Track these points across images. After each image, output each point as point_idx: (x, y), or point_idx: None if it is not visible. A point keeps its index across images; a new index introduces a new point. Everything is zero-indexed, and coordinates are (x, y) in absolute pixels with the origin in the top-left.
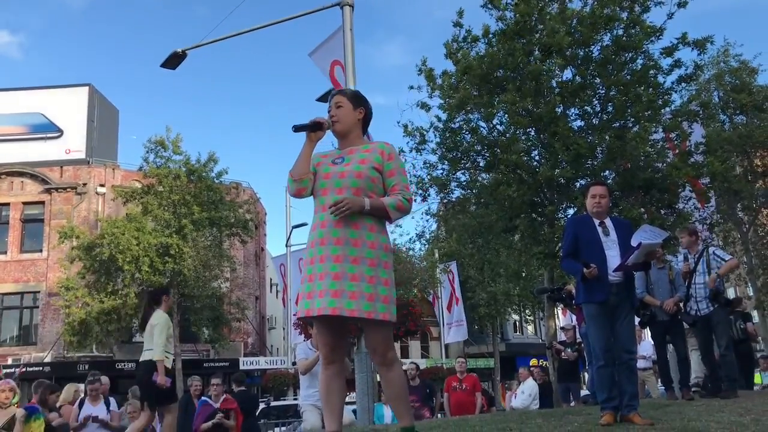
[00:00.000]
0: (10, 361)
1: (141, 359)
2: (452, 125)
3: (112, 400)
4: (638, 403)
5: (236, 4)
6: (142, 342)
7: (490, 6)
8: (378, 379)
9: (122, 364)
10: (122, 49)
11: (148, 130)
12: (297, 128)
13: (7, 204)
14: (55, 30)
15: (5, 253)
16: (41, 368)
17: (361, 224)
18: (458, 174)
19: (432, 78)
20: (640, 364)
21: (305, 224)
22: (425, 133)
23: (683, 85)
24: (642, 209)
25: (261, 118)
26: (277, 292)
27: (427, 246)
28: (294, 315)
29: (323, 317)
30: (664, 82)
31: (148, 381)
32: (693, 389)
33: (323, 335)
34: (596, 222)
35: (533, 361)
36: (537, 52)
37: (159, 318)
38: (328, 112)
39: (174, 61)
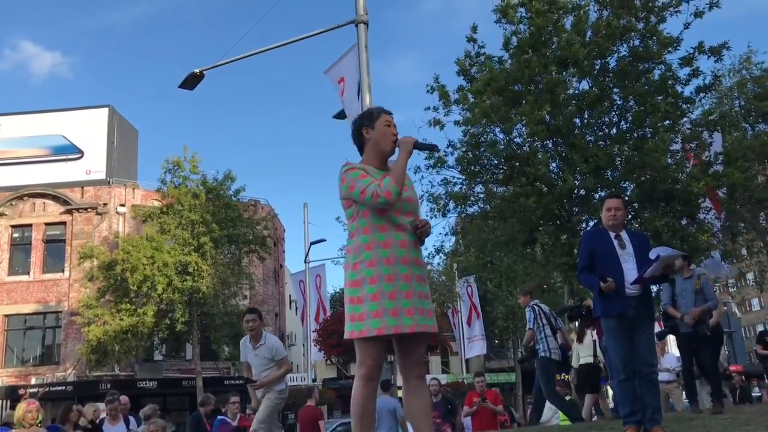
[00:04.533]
0: (33, 381)
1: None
2: (473, 140)
3: (131, 418)
4: (662, 416)
5: (254, 23)
6: (163, 360)
7: (503, 21)
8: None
9: (144, 382)
10: (146, 69)
11: (167, 149)
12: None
13: (30, 225)
14: (97, 51)
15: (28, 273)
16: (64, 387)
17: (419, 247)
18: (476, 188)
19: (446, 95)
20: (664, 376)
21: (323, 240)
22: (444, 156)
23: (702, 95)
24: (663, 221)
25: (278, 135)
26: (296, 308)
27: (445, 260)
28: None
29: (385, 335)
30: (682, 92)
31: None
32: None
33: (379, 352)
34: (612, 235)
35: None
36: (553, 65)
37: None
38: (388, 126)
39: (192, 81)
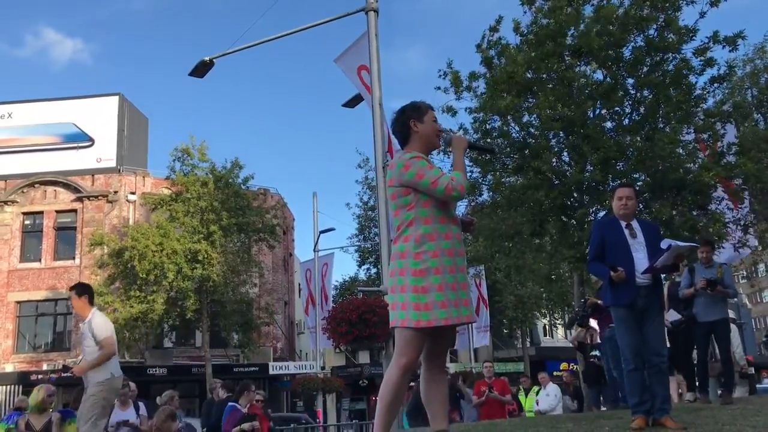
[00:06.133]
0: (44, 367)
1: None
2: (486, 126)
3: (141, 404)
4: (671, 406)
5: (262, 12)
6: (172, 348)
7: (527, 6)
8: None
9: (153, 369)
10: (158, 57)
11: (177, 137)
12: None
13: (41, 212)
14: (115, 38)
15: (40, 260)
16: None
17: None
18: (487, 177)
19: (458, 81)
20: None
21: (333, 229)
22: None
23: (716, 85)
24: (674, 211)
25: (287, 123)
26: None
27: None
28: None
29: (451, 325)
30: (696, 82)
31: None
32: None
33: (423, 345)
34: (623, 224)
35: (564, 365)
36: (568, 57)
37: None
38: (435, 121)
39: (201, 69)
